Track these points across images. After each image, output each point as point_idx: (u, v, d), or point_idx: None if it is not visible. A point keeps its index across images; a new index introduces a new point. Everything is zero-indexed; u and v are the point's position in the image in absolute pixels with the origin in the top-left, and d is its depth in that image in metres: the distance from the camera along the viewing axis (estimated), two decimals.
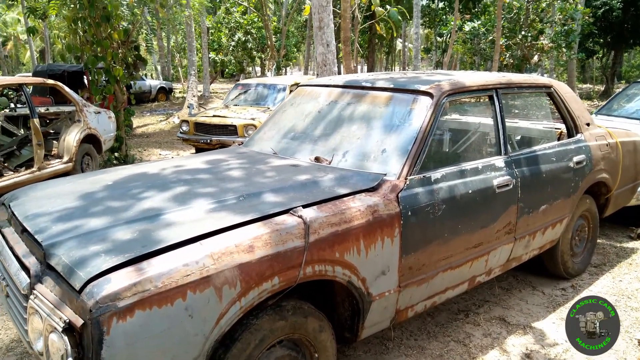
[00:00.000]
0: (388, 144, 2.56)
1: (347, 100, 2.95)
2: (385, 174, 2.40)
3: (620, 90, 6.51)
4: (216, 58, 26.27)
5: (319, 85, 3.27)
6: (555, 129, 3.88)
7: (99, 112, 7.08)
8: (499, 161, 2.86)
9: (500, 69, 16.78)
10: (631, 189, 4.16)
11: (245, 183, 2.32)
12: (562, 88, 3.48)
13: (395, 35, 15.67)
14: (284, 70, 32.52)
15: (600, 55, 24.89)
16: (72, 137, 6.42)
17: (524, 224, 3.01)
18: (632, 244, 4.43)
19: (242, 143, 3.31)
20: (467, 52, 18.25)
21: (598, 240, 4.53)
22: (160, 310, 1.58)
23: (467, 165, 2.70)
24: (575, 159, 3.33)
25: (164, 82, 20.88)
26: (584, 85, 27.46)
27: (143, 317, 1.55)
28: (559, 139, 3.64)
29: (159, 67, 29.98)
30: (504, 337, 2.92)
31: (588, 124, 3.64)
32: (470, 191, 2.62)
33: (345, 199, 2.19)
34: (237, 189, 2.22)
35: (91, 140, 6.88)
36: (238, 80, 25.09)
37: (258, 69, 28.39)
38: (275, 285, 1.85)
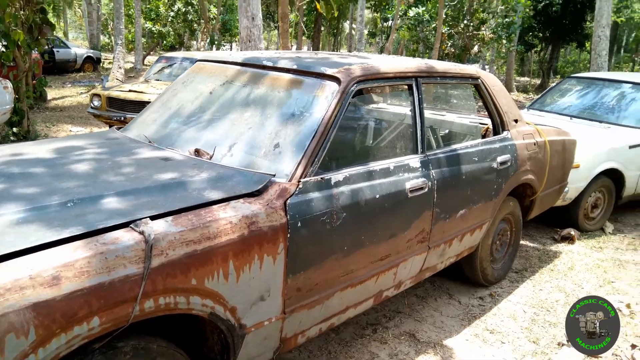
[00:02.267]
0: (282, 138, 2.12)
1: (243, 81, 2.48)
2: (274, 175, 1.96)
3: (554, 84, 6.42)
4: (153, 28, 24.76)
5: (217, 62, 2.77)
6: (482, 124, 3.60)
7: None
8: (413, 161, 2.50)
9: (441, 58, 16.77)
10: (558, 190, 3.97)
11: (88, 182, 1.81)
12: (490, 80, 3.17)
13: (335, 14, 15.18)
14: (228, 46, 31.25)
15: (539, 49, 25.60)
16: None
17: (440, 231, 2.69)
18: (555, 247, 4.28)
19: (121, 127, 2.76)
20: (411, 39, 18.11)
21: (521, 242, 4.35)
22: None
23: (376, 166, 2.31)
24: (500, 159, 3.04)
25: (92, 50, 19.38)
26: (522, 78, 28.24)
27: None
28: (484, 136, 3.35)
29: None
30: (411, 359, 2.60)
31: (516, 121, 3.36)
32: (377, 196, 2.24)
33: (214, 207, 1.74)
34: (71, 190, 1.71)
35: None
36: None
37: (203, 43, 27.16)
38: (95, 328, 1.37)
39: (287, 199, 1.90)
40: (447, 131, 3.60)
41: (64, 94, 12.51)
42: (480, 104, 3.36)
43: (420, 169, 2.51)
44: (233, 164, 2.08)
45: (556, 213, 4.59)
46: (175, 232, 1.56)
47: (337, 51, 31.71)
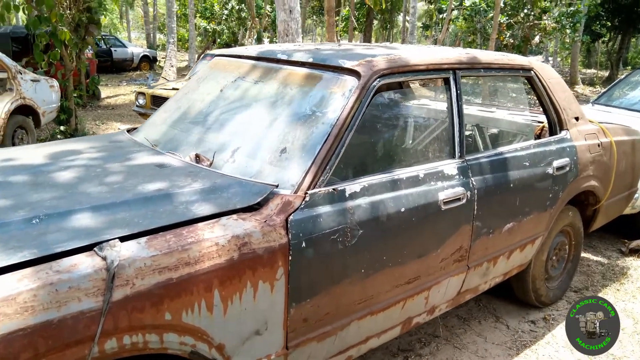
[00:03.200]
0: (290, 142, 1.85)
1: (255, 78, 2.23)
2: (277, 185, 1.69)
3: (623, 76, 5.75)
4: (208, 27, 25.19)
5: (232, 57, 2.53)
6: (539, 122, 3.16)
7: (37, 81, 6.30)
8: (449, 167, 2.15)
9: (499, 49, 15.91)
10: (626, 198, 3.47)
11: (65, 193, 1.61)
12: (545, 72, 2.74)
13: (384, 6, 14.69)
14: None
15: (607, 39, 23.84)
16: None
17: (482, 248, 2.32)
18: (622, 262, 3.76)
19: (134, 128, 2.58)
20: (467, 30, 17.30)
21: (582, 255, 3.86)
22: None
23: (403, 173, 1.99)
24: (556, 163, 2.62)
25: (148, 50, 19.96)
26: (589, 70, 26.43)
27: None
28: (540, 136, 2.93)
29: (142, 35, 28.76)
30: None
31: (577, 119, 2.91)
32: (403, 209, 1.92)
33: (200, 224, 1.49)
34: (42, 204, 1.51)
35: (27, 111, 6.13)
36: None
37: (251, 40, 27.34)
38: None
39: (290, 214, 1.62)
40: (496, 130, 3.19)
41: (119, 92, 12.85)
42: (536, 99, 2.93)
43: (458, 177, 2.16)
44: (233, 172, 1.82)
45: (624, 221, 4.05)
46: (146, 257, 1.32)
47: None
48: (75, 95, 10.22)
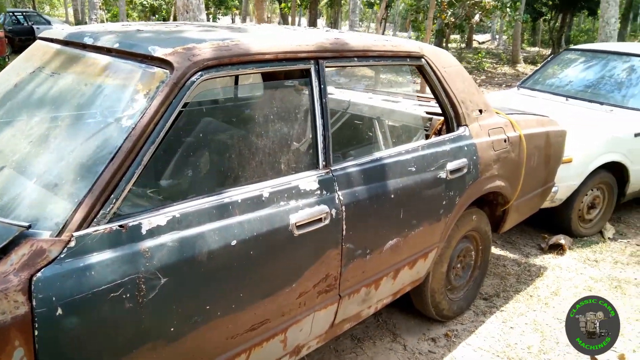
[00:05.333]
0: (65, 160, 1.36)
1: (54, 68, 1.71)
2: (29, 226, 1.21)
3: (550, 57, 5.52)
4: (144, 2, 23.79)
5: (46, 40, 1.99)
6: (437, 115, 2.78)
7: None
8: (306, 181, 1.72)
9: (441, 29, 15.71)
10: (541, 194, 3.18)
11: None
12: (440, 60, 2.34)
13: None
14: (222, 19, 30.06)
15: (548, 18, 24.12)
16: None
17: (357, 272, 1.93)
18: (540, 260, 3.50)
19: None
20: (410, 9, 17.00)
21: (500, 253, 3.59)
22: None
23: (237, 195, 1.54)
24: (451, 165, 2.25)
25: (76, 26, 18.52)
26: (533, 49, 26.78)
27: None
28: (440, 132, 2.56)
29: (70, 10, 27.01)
30: None
31: (481, 111, 2.55)
32: (234, 242, 1.48)
33: None
34: None
35: None
36: None
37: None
38: None
39: (39, 270, 1.15)
40: (385, 127, 2.77)
41: None
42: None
43: (319, 192, 1.74)
44: None
45: (546, 215, 3.80)
46: None
47: (335, 24, 30.03)
48: None
